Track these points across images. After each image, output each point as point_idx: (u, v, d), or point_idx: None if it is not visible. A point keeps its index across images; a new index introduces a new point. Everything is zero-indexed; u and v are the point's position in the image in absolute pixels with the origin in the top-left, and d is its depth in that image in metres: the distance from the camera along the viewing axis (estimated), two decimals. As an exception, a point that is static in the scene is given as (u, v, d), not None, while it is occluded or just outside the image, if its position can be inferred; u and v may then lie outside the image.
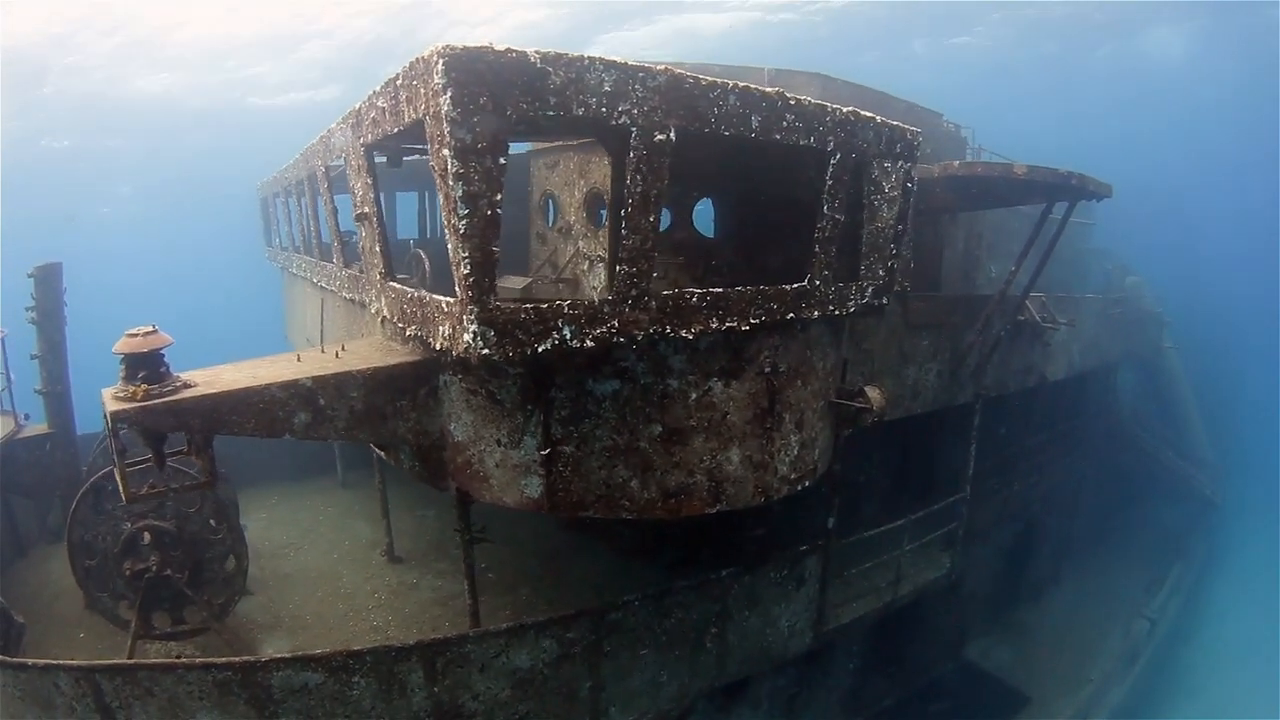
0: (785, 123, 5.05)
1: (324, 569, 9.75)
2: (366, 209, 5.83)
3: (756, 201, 9.13)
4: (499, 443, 5.52)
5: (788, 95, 5.02)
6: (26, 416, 9.39)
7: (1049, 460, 14.46)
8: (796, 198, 6.73)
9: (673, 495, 5.64)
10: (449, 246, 4.20)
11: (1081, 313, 13.33)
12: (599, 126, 4.35)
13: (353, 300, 7.31)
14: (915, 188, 8.23)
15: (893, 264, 6.59)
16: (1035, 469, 13.91)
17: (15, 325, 8.84)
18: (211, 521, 7.76)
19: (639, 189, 4.45)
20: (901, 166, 6.26)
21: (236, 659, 6.05)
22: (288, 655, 6.24)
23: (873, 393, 6.93)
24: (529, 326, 4.39)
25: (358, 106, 5.49)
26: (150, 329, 5.18)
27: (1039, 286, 14.50)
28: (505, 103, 3.87)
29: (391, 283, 5.78)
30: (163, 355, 5.15)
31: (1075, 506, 17.42)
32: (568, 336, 4.51)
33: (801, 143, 5.22)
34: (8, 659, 6.02)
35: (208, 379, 5.31)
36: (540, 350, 4.45)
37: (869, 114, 5.72)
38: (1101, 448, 19.00)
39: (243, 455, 11.75)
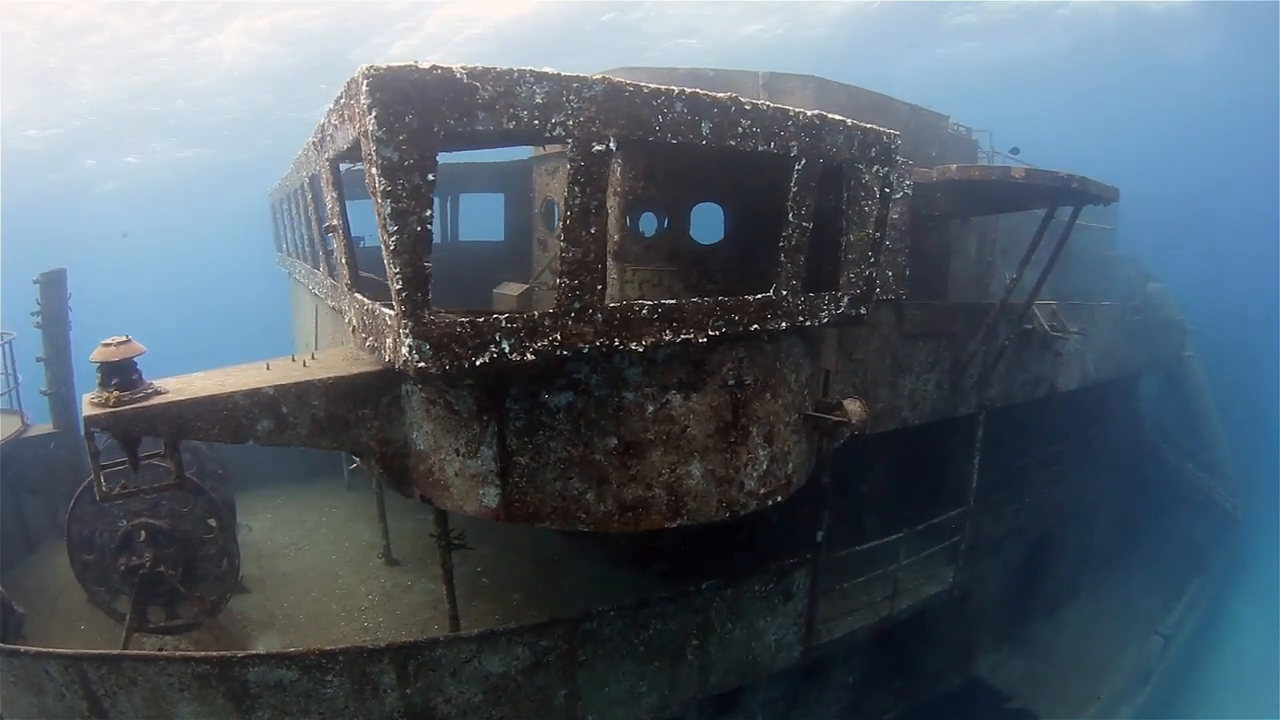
0: (740, 128, 4.94)
1: (322, 570, 9.96)
2: (335, 221, 5.94)
3: (755, 208, 9.03)
4: (457, 452, 5.56)
5: (742, 100, 4.91)
6: None
7: (1064, 472, 13.99)
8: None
9: (630, 508, 5.60)
10: (384, 261, 4.25)
11: (1096, 321, 12.85)
12: (535, 139, 4.34)
13: (335, 308, 7.46)
14: (895, 193, 8.06)
15: (871, 273, 6.43)
16: (1049, 481, 13.47)
17: (24, 329, 9.26)
18: (211, 521, 8.02)
19: (577, 201, 4.43)
20: (878, 171, 6.08)
21: (214, 653, 6.25)
22: (263, 652, 6.42)
23: (852, 406, 6.80)
24: (466, 340, 4.40)
25: (321, 122, 5.59)
26: (124, 339, 5.37)
27: (1057, 293, 14.10)
28: (432, 120, 3.89)
29: (356, 293, 5.87)
30: (135, 363, 5.33)
31: (1094, 519, 16.88)
32: (506, 350, 4.51)
33: (761, 149, 5.11)
34: (2, 645, 6.32)
35: (179, 386, 5.47)
36: (479, 363, 4.47)
37: (838, 117, 5.57)
38: (1123, 459, 18.40)
39: (251, 457, 12.08)
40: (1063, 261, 15.18)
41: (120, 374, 5.20)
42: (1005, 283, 11.42)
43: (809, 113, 5.34)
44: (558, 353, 4.68)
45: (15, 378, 9.77)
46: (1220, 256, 45.67)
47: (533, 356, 4.60)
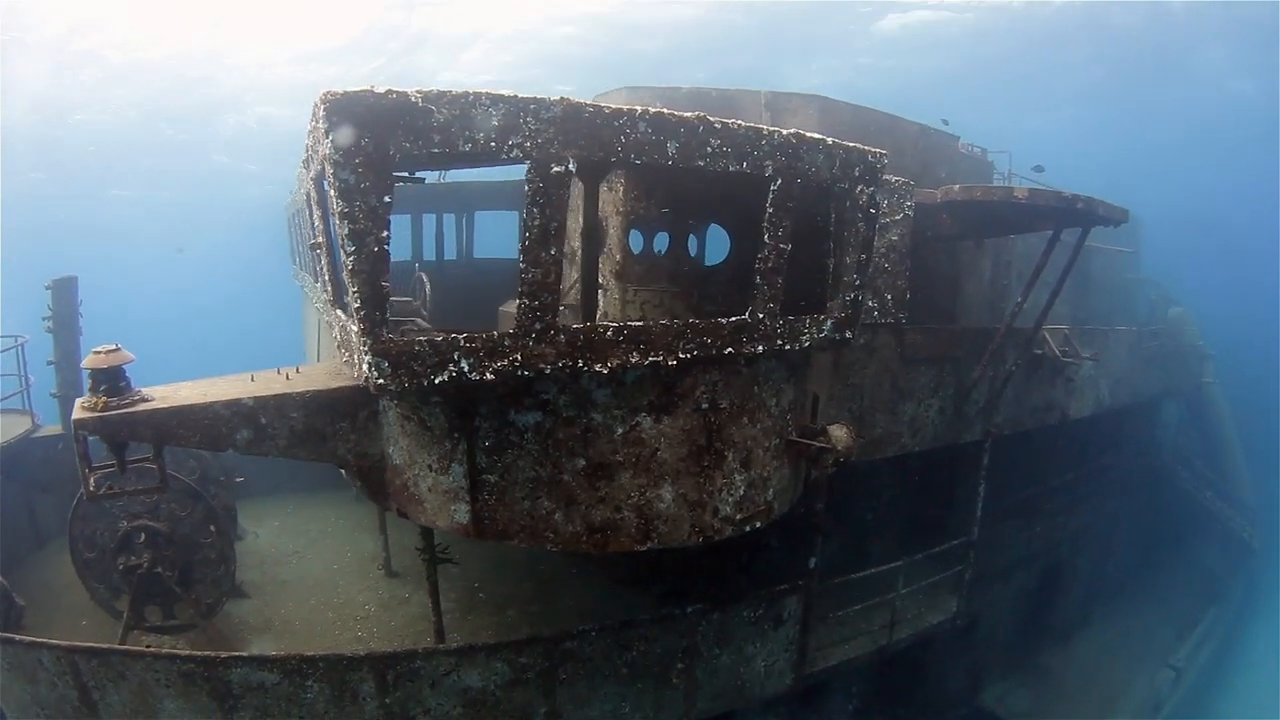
0: (710, 148, 4.90)
1: (322, 578, 10.10)
2: (320, 239, 6.07)
3: (758, 230, 8.98)
4: (430, 468, 5.62)
5: (712, 119, 4.87)
6: None
7: (1078, 500, 13.61)
8: (794, 226, 6.57)
9: (598, 530, 5.59)
10: (344, 280, 4.34)
11: (1111, 346, 12.49)
12: (492, 161, 4.40)
13: (328, 323, 7.62)
14: (888, 214, 8.00)
15: (857, 296, 6.34)
16: (1062, 509, 13.10)
17: (36, 332, 9.62)
18: (212, 526, 8.23)
19: (536, 222, 4.45)
20: (863, 192, 5.99)
21: (199, 652, 6.41)
22: (245, 654, 6.55)
23: (838, 432, 6.68)
24: (424, 358, 4.46)
25: (307, 142, 5.73)
26: (113, 347, 5.57)
27: (1075, 317, 13.72)
28: (388, 143, 3.96)
29: (338, 310, 5.99)
30: (123, 370, 5.53)
31: (1109, 547, 16.43)
32: (465, 369, 4.56)
33: (732, 169, 5.07)
34: None
35: (165, 394, 5.65)
36: (437, 381, 4.52)
37: (816, 136, 5.49)
38: (1140, 487, 17.89)
39: (262, 464, 12.34)
40: (1081, 285, 14.93)
41: (109, 380, 5.40)
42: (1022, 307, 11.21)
43: (784, 131, 5.29)
44: (519, 373, 4.71)
45: (26, 379, 10.16)
46: (1242, 279, 44.36)
47: (492, 376, 4.63)
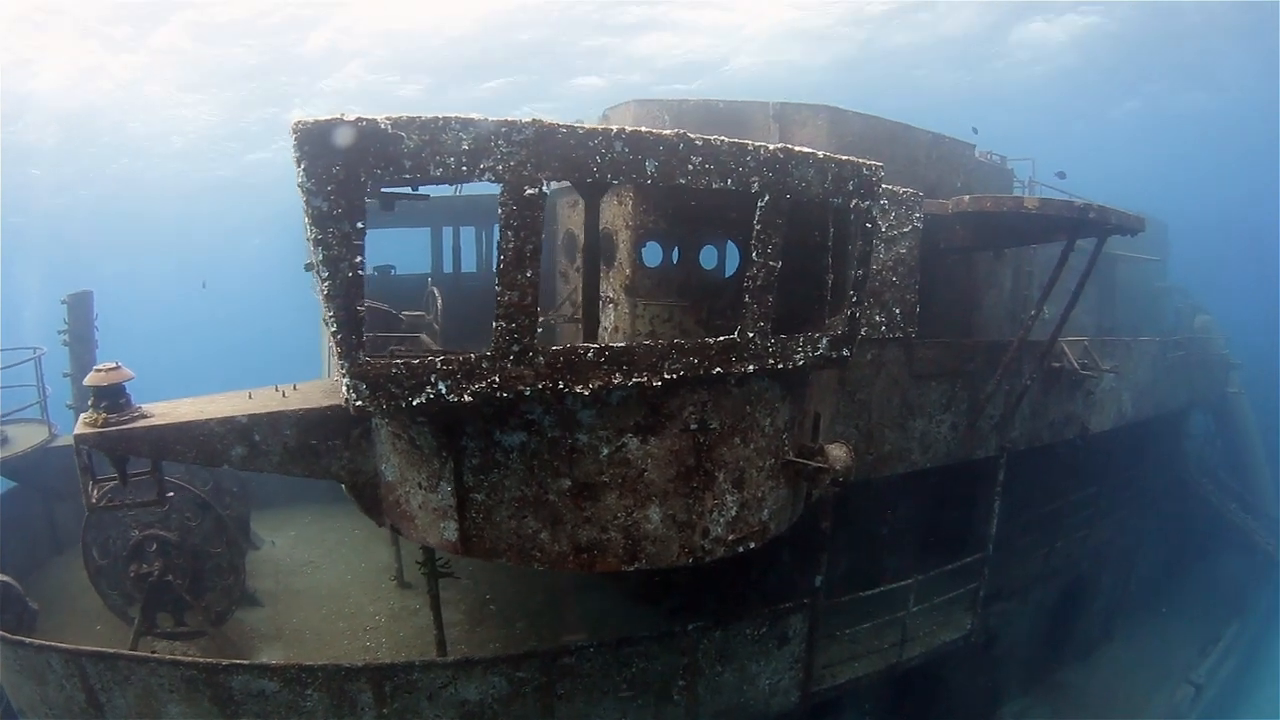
0: (691, 166, 4.83)
1: (335, 588, 10.23)
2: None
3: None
4: (420, 485, 5.67)
5: (692, 136, 4.81)
6: None
7: (1099, 514, 13.19)
8: (804, 240, 6.49)
9: (585, 550, 5.56)
10: (320, 304, 4.39)
11: (1133, 357, 12.09)
12: (464, 182, 4.40)
13: (331, 338, 7.73)
14: (892, 227, 7.86)
15: (854, 312, 6.21)
16: (1083, 524, 12.72)
17: (52, 345, 9.94)
18: (223, 536, 8.40)
19: (511, 245, 4.44)
20: (858, 206, 5.87)
21: (201, 659, 6.55)
22: (246, 662, 6.68)
23: (837, 451, 6.55)
24: (401, 381, 4.49)
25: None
26: (114, 365, 5.72)
27: (1101, 327, 13.30)
28: (359, 170, 4.00)
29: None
30: (123, 388, 5.68)
31: (1132, 561, 15.95)
32: (443, 391, 4.57)
33: (715, 185, 5.00)
34: (9, 635, 6.80)
35: (164, 411, 5.79)
36: (415, 403, 4.55)
37: (805, 149, 5.39)
38: (1165, 500, 17.37)
39: (279, 475, 12.56)
40: (1107, 294, 14.48)
41: (109, 397, 5.56)
42: (1044, 318, 10.91)
43: (771, 146, 5.20)
44: (497, 395, 4.70)
45: (43, 390, 10.49)
46: (1271, 285, 42.94)
47: (470, 398, 4.63)
